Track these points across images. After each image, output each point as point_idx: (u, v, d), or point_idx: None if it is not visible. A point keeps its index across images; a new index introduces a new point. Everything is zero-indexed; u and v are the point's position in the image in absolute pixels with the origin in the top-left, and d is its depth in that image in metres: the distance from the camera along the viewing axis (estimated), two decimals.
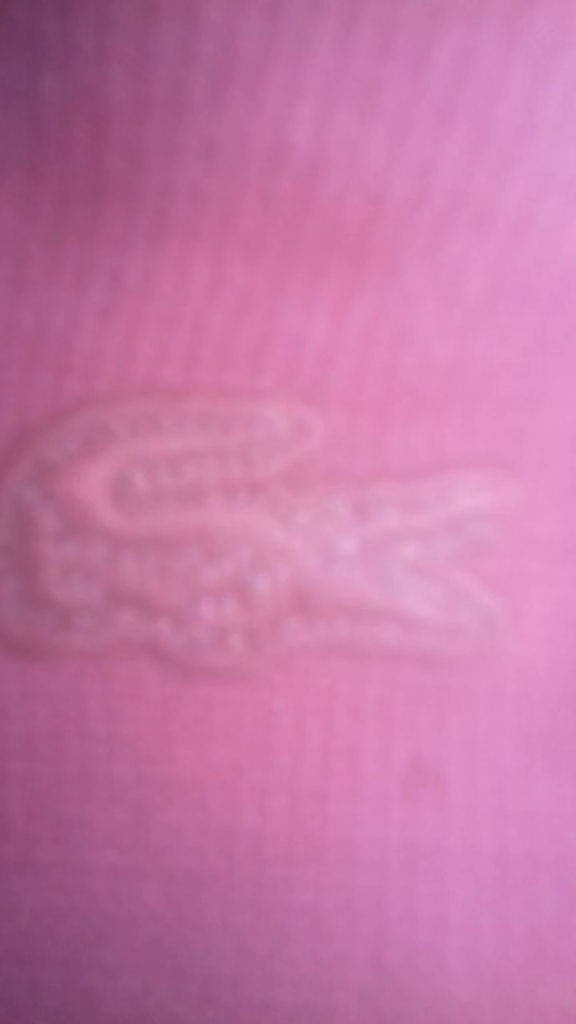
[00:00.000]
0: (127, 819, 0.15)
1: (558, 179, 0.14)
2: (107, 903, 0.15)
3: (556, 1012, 0.14)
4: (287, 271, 0.15)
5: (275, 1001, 0.14)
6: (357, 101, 0.13)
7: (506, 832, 0.15)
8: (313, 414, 0.16)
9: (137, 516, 0.16)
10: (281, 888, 0.15)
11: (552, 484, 0.16)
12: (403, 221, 0.14)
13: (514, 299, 0.14)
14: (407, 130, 0.13)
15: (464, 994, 0.14)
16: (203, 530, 0.16)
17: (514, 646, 0.16)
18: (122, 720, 0.15)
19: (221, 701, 0.15)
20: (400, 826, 0.15)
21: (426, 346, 0.15)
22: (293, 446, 0.16)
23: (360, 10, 0.12)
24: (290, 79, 0.13)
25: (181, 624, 0.16)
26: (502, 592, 0.16)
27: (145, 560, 0.16)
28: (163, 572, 0.16)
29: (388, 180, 0.13)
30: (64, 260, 0.15)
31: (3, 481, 0.16)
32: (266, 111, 0.13)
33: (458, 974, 0.14)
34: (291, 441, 0.16)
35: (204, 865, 0.15)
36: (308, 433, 0.16)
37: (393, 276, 0.14)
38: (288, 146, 0.13)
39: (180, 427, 0.16)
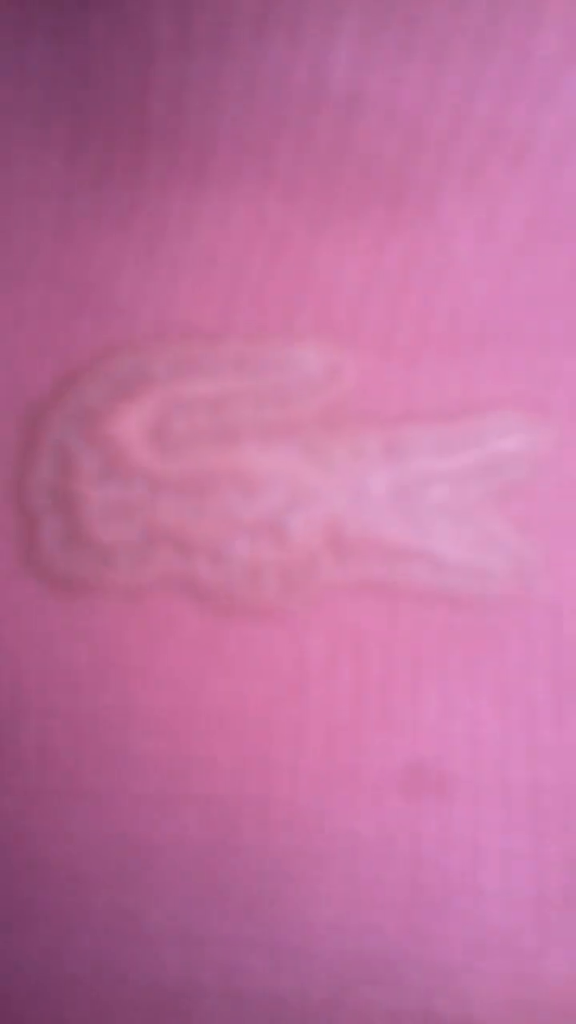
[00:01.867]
0: (166, 748, 0.16)
1: None
2: (148, 827, 0.15)
3: None
4: (324, 212, 0.15)
5: (314, 918, 0.15)
6: (396, 37, 0.13)
7: (539, 765, 0.15)
8: (346, 356, 0.16)
9: (175, 457, 0.16)
10: (316, 813, 0.15)
11: None
12: (440, 157, 0.14)
13: (552, 233, 0.14)
14: (445, 65, 0.13)
15: (500, 914, 0.15)
16: (238, 470, 0.16)
17: (544, 588, 0.16)
18: (160, 655, 0.16)
19: (256, 637, 0.16)
20: (433, 756, 0.15)
21: (462, 283, 0.15)
22: (327, 388, 0.16)
23: None
24: (330, 17, 0.13)
25: (217, 562, 0.16)
26: (533, 535, 0.16)
27: (182, 500, 0.16)
28: (199, 511, 0.16)
29: (426, 115, 0.13)
30: (108, 203, 0.15)
31: (45, 424, 0.16)
32: (306, 49, 0.13)
33: (494, 895, 0.15)
34: (325, 383, 0.16)
35: (241, 791, 0.15)
36: (341, 375, 0.16)
37: (430, 213, 0.14)
38: (327, 84, 0.13)
39: (217, 370, 0.16)
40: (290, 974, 0.14)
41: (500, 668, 0.16)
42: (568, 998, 0.14)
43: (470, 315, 0.15)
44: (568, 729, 0.16)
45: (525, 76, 0.13)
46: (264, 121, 0.14)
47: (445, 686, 0.16)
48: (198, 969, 0.14)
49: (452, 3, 0.13)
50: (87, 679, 0.16)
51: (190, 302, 0.16)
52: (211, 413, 0.16)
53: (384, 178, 0.14)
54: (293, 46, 0.13)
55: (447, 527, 0.16)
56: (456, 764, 0.15)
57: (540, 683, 0.16)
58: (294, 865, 0.15)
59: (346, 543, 0.16)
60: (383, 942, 0.14)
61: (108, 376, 0.16)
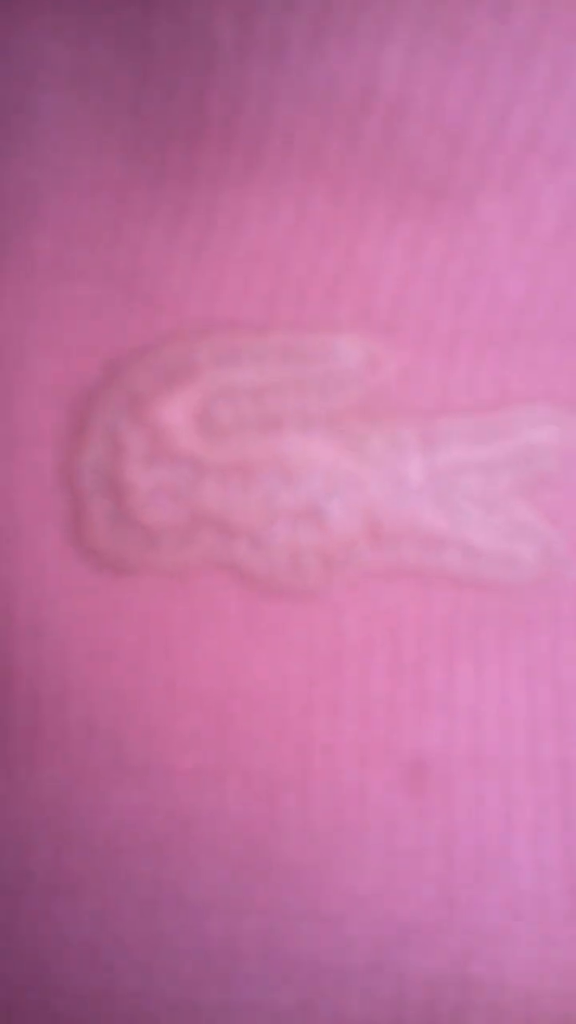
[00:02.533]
0: (208, 725, 0.16)
1: None
2: (190, 800, 0.16)
3: None
4: (366, 208, 0.15)
5: (354, 887, 0.15)
6: (442, 46, 0.14)
7: (568, 742, 0.16)
8: (386, 349, 0.17)
9: (219, 443, 0.17)
10: (354, 787, 0.16)
11: None
12: (480, 160, 0.15)
13: None
14: (487, 73, 0.14)
15: (533, 881, 0.15)
16: (280, 457, 0.17)
17: (572, 574, 0.17)
18: (203, 634, 0.17)
19: (295, 618, 0.17)
20: (466, 734, 0.16)
21: (497, 280, 0.16)
22: (366, 379, 0.17)
23: None
24: (381, 26, 0.14)
25: (258, 545, 0.17)
26: (561, 524, 0.17)
27: (225, 484, 0.17)
28: (242, 496, 0.17)
29: (468, 121, 0.14)
30: (161, 201, 0.16)
31: (96, 409, 0.17)
32: (358, 56, 0.14)
33: (526, 863, 0.15)
34: (364, 374, 0.17)
35: (280, 767, 0.16)
36: (381, 367, 0.17)
37: (468, 212, 0.15)
38: (376, 89, 0.14)
39: (261, 360, 0.17)
40: (330, 940, 0.15)
41: (530, 651, 0.16)
42: None
43: (505, 310, 0.16)
44: None
45: (565, 84, 0.14)
46: (314, 123, 0.15)
47: (477, 667, 0.16)
48: (240, 936, 0.15)
49: (495, 13, 0.14)
50: (132, 657, 0.17)
51: (236, 295, 0.16)
52: (254, 402, 0.17)
53: (426, 177, 0.15)
54: (346, 53, 0.14)
55: (479, 515, 0.17)
56: (488, 741, 0.16)
57: (567, 665, 0.16)
58: (333, 837, 0.15)
59: (383, 529, 0.17)
60: (420, 909, 0.15)
61: (156, 364, 0.17)
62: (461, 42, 0.14)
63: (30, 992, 0.16)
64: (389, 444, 0.17)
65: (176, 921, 0.16)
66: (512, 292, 0.16)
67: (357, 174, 0.15)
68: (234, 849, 0.16)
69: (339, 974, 0.15)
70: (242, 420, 0.17)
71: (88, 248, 0.16)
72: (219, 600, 0.17)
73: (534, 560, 0.17)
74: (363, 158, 0.15)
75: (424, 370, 0.16)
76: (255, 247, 0.16)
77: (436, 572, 0.17)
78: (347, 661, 0.16)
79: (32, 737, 0.16)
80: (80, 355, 0.17)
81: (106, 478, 0.17)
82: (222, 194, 0.16)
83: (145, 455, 0.17)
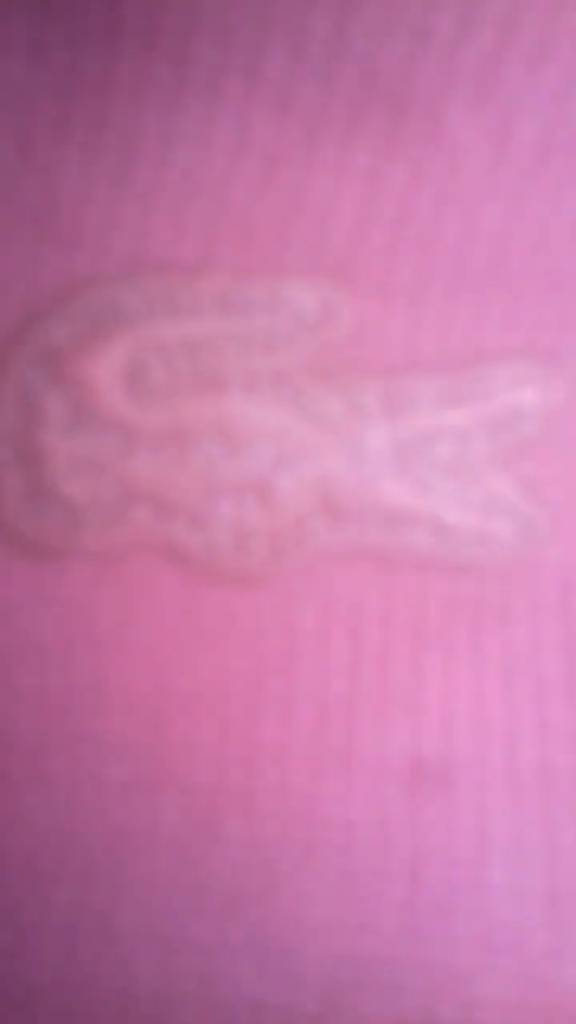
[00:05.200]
0: (143, 731, 0.14)
1: None
2: (121, 818, 0.14)
3: None
4: (318, 128, 0.13)
5: (305, 918, 0.14)
6: None
7: (551, 747, 0.14)
8: (342, 296, 0.15)
9: (152, 406, 0.15)
10: (307, 800, 0.14)
11: None
12: (448, 60, 0.12)
13: (569, 154, 0.13)
14: None
15: (510, 910, 0.13)
16: (222, 422, 0.15)
17: (554, 555, 0.15)
18: (137, 626, 0.15)
19: (241, 607, 0.15)
20: (435, 738, 0.14)
21: (469, 213, 0.13)
22: (320, 332, 0.15)
23: None
24: None
25: (199, 524, 0.15)
26: (543, 496, 0.15)
27: (160, 454, 0.15)
28: (179, 467, 0.15)
29: (432, 10, 0.12)
30: (74, 115, 0.14)
31: (8, 366, 0.15)
32: None
33: (503, 889, 0.13)
34: (317, 326, 0.15)
35: (224, 777, 0.14)
36: (336, 317, 0.15)
37: (435, 128, 0.13)
38: None
39: (198, 309, 0.14)
40: (278, 980, 0.13)
41: (507, 641, 0.15)
42: None
43: (478, 249, 0.14)
44: (575, 707, 0.15)
45: None
46: (252, 20, 0.12)
47: (447, 661, 0.15)
48: (175, 975, 0.13)
49: None
50: (56, 653, 0.15)
51: (168, 232, 0.14)
52: (192, 358, 0.15)
53: (385, 84, 0.13)
54: None
55: (451, 488, 0.15)
56: (460, 746, 0.14)
57: (550, 657, 0.15)
58: (282, 859, 0.14)
59: (340, 505, 0.15)
60: (381, 943, 0.13)
61: (77, 313, 0.14)
62: None
63: None
64: (347, 407, 0.15)
65: (102, 956, 0.14)
66: (487, 226, 0.14)
67: (305, 82, 0.13)
68: (169, 873, 0.14)
69: (286, 1019, 0.13)
70: (178, 379, 0.15)
71: None
72: (155, 587, 0.15)
73: (512, 539, 0.15)
74: (311, 60, 0.13)
75: (387, 321, 0.14)
76: (189, 175, 0.14)
77: (401, 553, 0.15)
78: (300, 657, 0.14)
79: None
80: None
81: (21, 447, 0.15)
82: (147, 110, 0.13)
83: (65, 420, 0.15)
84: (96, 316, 0.15)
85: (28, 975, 0.14)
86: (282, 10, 0.12)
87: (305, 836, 0.14)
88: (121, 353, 0.15)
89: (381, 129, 0.13)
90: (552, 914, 0.13)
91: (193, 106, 0.13)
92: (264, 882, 0.14)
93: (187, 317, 0.14)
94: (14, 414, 0.15)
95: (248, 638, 0.15)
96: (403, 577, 0.15)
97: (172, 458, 0.15)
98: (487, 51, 0.13)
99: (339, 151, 0.14)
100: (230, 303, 0.15)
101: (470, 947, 0.13)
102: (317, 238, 0.14)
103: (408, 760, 0.14)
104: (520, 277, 0.14)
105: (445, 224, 0.14)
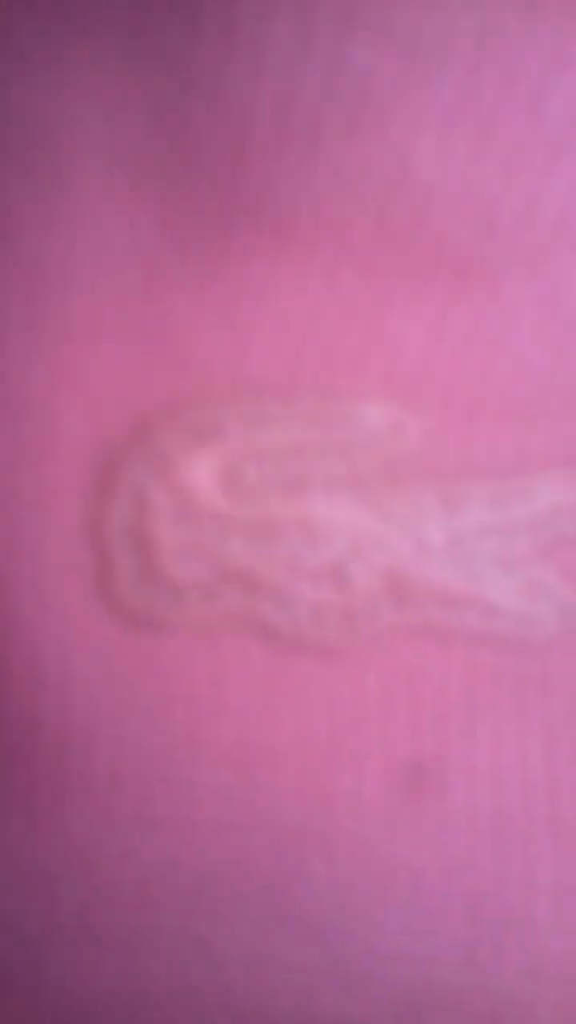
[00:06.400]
0: (232, 779, 0.16)
1: None
2: (216, 855, 0.16)
3: None
4: (392, 284, 0.16)
5: (379, 947, 0.16)
6: (475, 138, 0.14)
7: None
8: (409, 415, 0.17)
9: (245, 503, 0.17)
10: (380, 846, 0.16)
11: None
12: (508, 244, 0.15)
13: None
14: (518, 166, 0.14)
15: (556, 944, 0.16)
16: (305, 519, 0.17)
17: None
18: (227, 689, 0.17)
19: (318, 675, 0.17)
20: (488, 795, 0.16)
21: (520, 355, 0.16)
22: (390, 444, 0.17)
23: (484, 56, 0.14)
24: (415, 114, 0.14)
25: (282, 603, 0.17)
26: None
27: (251, 543, 0.17)
28: (268, 555, 0.17)
29: (497, 209, 0.15)
30: (192, 267, 0.16)
31: (123, 468, 0.17)
32: (391, 143, 0.14)
33: (549, 927, 0.15)
34: (388, 439, 0.17)
35: (305, 822, 0.16)
36: (404, 432, 0.17)
37: (493, 292, 0.15)
38: (407, 174, 0.14)
39: (287, 423, 0.17)
40: (359, 1000, 0.15)
41: (548, 709, 0.17)
42: None
43: (527, 384, 0.16)
44: None
45: None
46: (345, 204, 0.15)
47: (496, 725, 0.17)
48: (269, 993, 0.15)
49: (529, 110, 0.14)
50: (157, 711, 0.17)
51: (262, 360, 0.17)
52: (280, 464, 0.17)
53: (453, 258, 0.15)
54: (379, 139, 0.14)
55: (498, 576, 0.17)
56: (509, 802, 0.16)
57: None
58: (357, 895, 0.16)
59: (405, 589, 0.17)
60: (445, 970, 0.15)
61: (183, 425, 0.17)
62: (493, 133, 0.14)
63: None
64: (411, 506, 0.17)
65: (202, 975, 0.16)
66: (535, 367, 0.16)
67: (386, 252, 0.16)
68: (260, 905, 0.16)
69: None
70: (267, 480, 0.17)
71: (119, 311, 0.17)
72: (243, 656, 0.17)
73: (552, 619, 0.17)
74: (392, 238, 0.15)
75: (446, 436, 0.17)
76: (282, 315, 0.16)
77: (455, 630, 0.17)
78: (368, 718, 0.17)
79: (57, 788, 0.17)
80: (107, 413, 0.17)
81: (133, 535, 0.17)
82: (252, 265, 0.16)
83: (171, 513, 0.17)
84: (198, 428, 0.17)
85: (139, 991, 0.16)
86: (370, 196, 0.15)
87: (378, 877, 0.16)
88: (219, 458, 0.17)
89: (446, 289, 0.16)
90: None
91: (289, 263, 0.16)
92: (343, 915, 0.16)
93: (277, 430, 0.17)
94: (128, 507, 0.17)
95: (323, 702, 0.17)
96: (456, 651, 0.17)
97: (261, 547, 0.17)
98: (541, 240, 0.15)
99: (409, 302, 0.16)
100: (314, 419, 0.17)
101: (521, 975, 0.15)
102: (388, 367, 0.17)
103: (463, 813, 0.16)
104: (561, 408, 0.16)
105: (498, 362, 0.16)
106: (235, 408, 0.17)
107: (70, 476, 0.17)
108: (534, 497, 0.17)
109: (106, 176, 0.16)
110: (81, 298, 0.17)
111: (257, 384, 0.17)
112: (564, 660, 0.17)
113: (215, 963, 0.16)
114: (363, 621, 0.17)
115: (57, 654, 0.17)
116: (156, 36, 0.14)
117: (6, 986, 0.16)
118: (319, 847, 0.16)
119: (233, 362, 0.17)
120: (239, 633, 0.17)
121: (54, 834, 0.17)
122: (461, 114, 0.14)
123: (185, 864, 0.16)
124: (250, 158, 0.15)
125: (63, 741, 0.17)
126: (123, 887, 0.16)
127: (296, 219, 0.16)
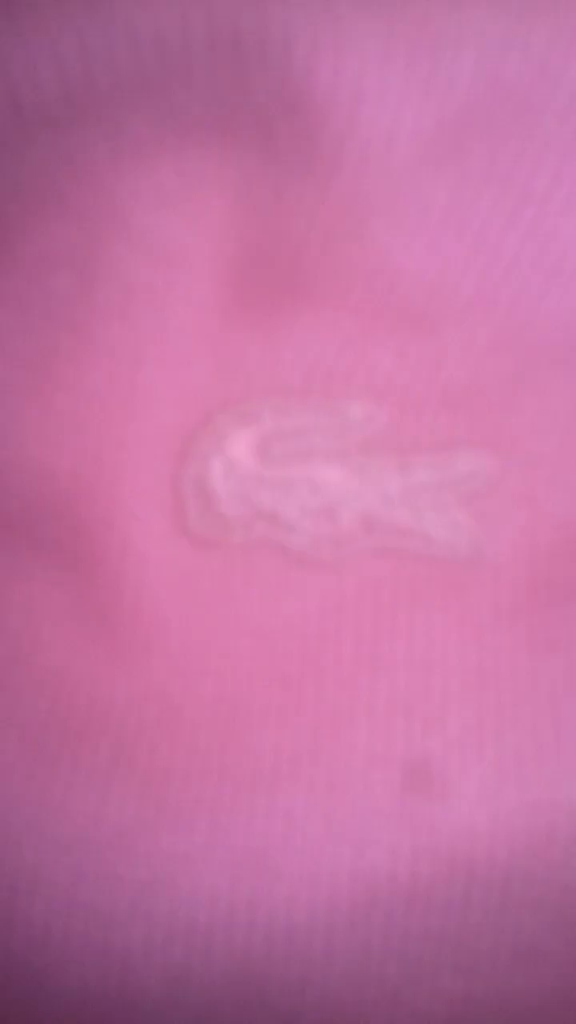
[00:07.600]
0: (253, 644, 0.24)
1: None
2: (255, 684, 0.25)
3: None
4: (373, 326, 0.24)
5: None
6: (427, 243, 0.23)
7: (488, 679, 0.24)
8: (379, 410, 0.26)
9: (272, 467, 0.25)
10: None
11: (525, 461, 0.26)
12: (444, 306, 0.23)
13: (514, 354, 0.24)
14: (450, 260, 0.23)
15: None
16: (310, 478, 0.25)
17: (489, 555, 0.26)
18: (256, 585, 0.25)
19: (315, 578, 0.25)
20: (420, 672, 0.25)
21: (452, 374, 0.24)
22: (366, 429, 0.26)
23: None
24: (393, 229, 0.23)
25: (294, 533, 0.26)
26: (486, 523, 0.26)
27: (275, 494, 0.26)
28: (285, 501, 0.25)
29: (439, 283, 0.23)
30: (247, 318, 0.24)
31: (194, 441, 0.25)
32: (378, 245, 0.23)
33: None
34: (364, 426, 0.26)
35: (302, 668, 0.25)
36: (375, 421, 0.25)
37: (436, 334, 0.24)
38: (386, 263, 0.23)
39: (301, 414, 0.26)
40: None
41: (464, 605, 0.24)
42: None
43: (455, 393, 0.25)
44: (509, 635, 0.25)
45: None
46: (349, 278, 0.23)
47: (428, 616, 0.24)
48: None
49: (470, 231, 0.23)
50: (210, 598, 0.24)
51: (287, 373, 0.25)
52: (295, 441, 0.26)
53: (412, 313, 0.24)
54: (371, 243, 0.23)
55: (434, 517, 0.25)
56: (433, 679, 0.25)
57: (487, 611, 0.25)
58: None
59: (373, 525, 0.25)
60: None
61: (233, 414, 0.26)
62: (438, 242, 0.23)
63: None
64: (378, 470, 0.24)
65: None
66: (461, 383, 0.24)
67: (369, 307, 0.24)
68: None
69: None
70: (287, 452, 0.25)
71: (197, 339, 0.24)
72: (268, 565, 0.24)
73: (467, 545, 0.25)
74: (374, 299, 0.23)
75: (402, 424, 0.24)
76: (301, 344, 0.25)
77: (405, 552, 0.24)
78: (345, 607, 0.24)
79: (137, 640, 0.24)
80: (188, 406, 0.25)
81: (199, 485, 0.25)
82: (283, 313, 0.24)
83: (224, 472, 0.26)
84: (243, 416, 0.25)
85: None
86: (364, 269, 0.24)
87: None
88: (256, 437, 0.25)
89: (407, 331, 0.24)
90: None
91: (309, 313, 0.24)
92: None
93: (294, 418, 0.26)
94: (196, 467, 0.25)
95: (317, 595, 0.24)
96: (405, 565, 0.24)
97: (281, 496, 0.25)
98: (465, 305, 0.23)
99: (383, 338, 0.24)
100: (318, 412, 0.26)
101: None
102: (368, 379, 0.25)
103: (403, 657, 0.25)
104: (477, 407, 0.25)
105: (438, 379, 0.25)
106: (268, 403, 0.25)
107: (161, 446, 0.24)
108: (457, 465, 0.26)
109: (211, 260, 0.23)
110: (175, 328, 0.25)
111: (283, 388, 0.24)
112: (474, 573, 0.26)
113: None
114: (345, 545, 0.24)
115: (144, 563, 0.25)
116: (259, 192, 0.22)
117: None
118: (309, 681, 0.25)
119: (267, 375, 0.25)
120: (266, 551, 0.24)
121: (136, 672, 0.25)
122: (421, 228, 0.23)
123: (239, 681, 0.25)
124: (301, 257, 0.23)
125: (143, 618, 0.25)
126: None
127: (315, 286, 0.24)
